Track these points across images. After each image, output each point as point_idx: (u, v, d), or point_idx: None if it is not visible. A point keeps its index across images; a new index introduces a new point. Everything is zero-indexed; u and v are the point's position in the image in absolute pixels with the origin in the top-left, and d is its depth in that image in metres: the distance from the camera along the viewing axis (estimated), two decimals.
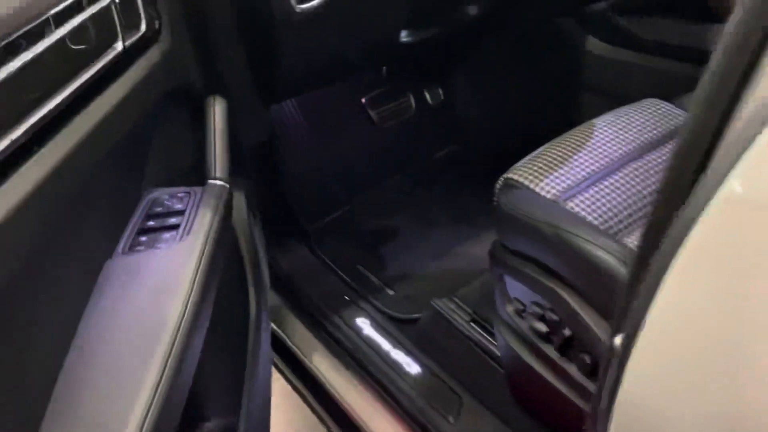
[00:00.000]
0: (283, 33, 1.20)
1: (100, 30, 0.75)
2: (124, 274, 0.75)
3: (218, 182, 0.96)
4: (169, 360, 0.66)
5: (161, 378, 0.65)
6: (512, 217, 0.98)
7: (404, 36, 1.46)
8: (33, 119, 0.63)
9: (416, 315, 1.46)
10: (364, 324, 1.48)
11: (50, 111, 0.65)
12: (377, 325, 1.47)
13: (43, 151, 0.64)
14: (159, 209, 0.90)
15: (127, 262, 0.77)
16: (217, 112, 1.02)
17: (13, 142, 0.59)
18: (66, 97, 0.68)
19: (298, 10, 1.15)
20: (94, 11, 0.73)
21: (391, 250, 1.69)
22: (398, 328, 1.46)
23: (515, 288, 1.05)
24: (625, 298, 0.58)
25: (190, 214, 0.88)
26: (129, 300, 0.73)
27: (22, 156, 0.62)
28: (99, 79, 0.75)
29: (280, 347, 1.51)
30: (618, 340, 0.56)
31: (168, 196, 0.93)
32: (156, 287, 0.74)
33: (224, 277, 0.88)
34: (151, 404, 0.62)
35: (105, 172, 0.80)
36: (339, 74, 1.52)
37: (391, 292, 1.56)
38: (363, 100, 1.80)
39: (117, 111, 0.78)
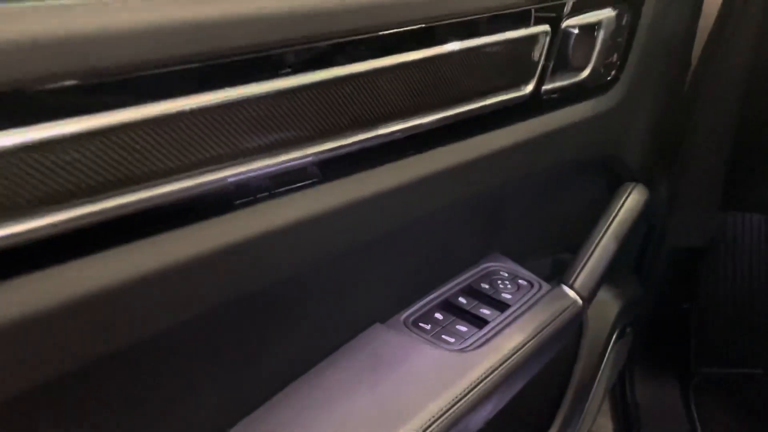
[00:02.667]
0: None
1: (512, 61, 0.56)
2: (383, 353, 0.58)
3: (571, 294, 0.70)
4: None
5: None
6: None
7: None
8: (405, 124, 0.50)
9: None
10: None
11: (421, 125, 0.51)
12: None
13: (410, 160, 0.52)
14: (484, 286, 0.70)
15: (398, 341, 0.60)
16: (629, 207, 0.74)
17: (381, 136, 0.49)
18: (440, 119, 0.52)
19: None
20: (511, 37, 0.54)
21: None
22: None
23: None
24: None
25: (509, 318, 0.66)
26: (366, 387, 0.56)
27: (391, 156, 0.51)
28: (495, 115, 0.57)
29: None
30: None
31: (507, 275, 0.73)
32: (398, 401, 0.55)
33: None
34: None
35: (455, 213, 0.64)
36: None
37: None
38: None
39: (496, 157, 0.59)
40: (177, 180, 0.37)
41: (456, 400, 0.55)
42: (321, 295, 0.55)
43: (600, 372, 0.95)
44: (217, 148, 0.38)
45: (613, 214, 0.74)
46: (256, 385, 0.51)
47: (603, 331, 0.91)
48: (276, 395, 0.51)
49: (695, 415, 1.21)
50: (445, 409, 0.54)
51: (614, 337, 0.95)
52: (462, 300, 0.68)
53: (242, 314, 0.47)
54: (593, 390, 0.94)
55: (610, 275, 0.95)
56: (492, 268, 0.74)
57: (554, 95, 0.62)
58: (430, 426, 0.52)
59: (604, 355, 0.94)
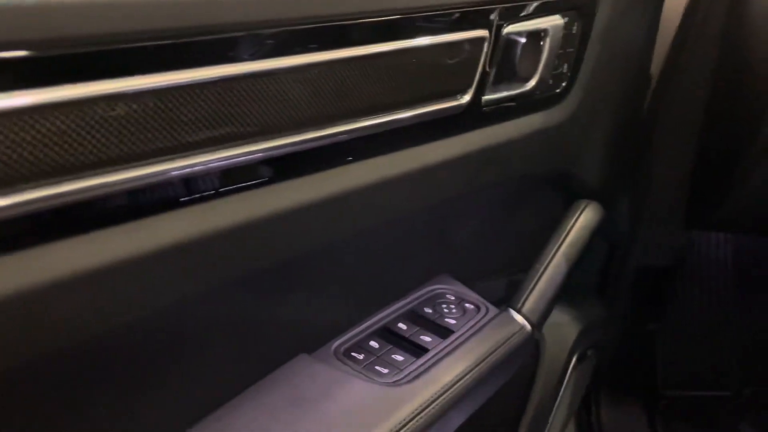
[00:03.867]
0: (765, 156, 0.81)
1: (447, 67, 0.52)
2: (306, 387, 0.53)
3: (519, 318, 0.66)
4: None
5: None
6: None
7: None
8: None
9: None
10: None
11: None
12: None
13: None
14: (427, 311, 0.66)
15: (324, 374, 0.54)
16: (582, 226, 0.70)
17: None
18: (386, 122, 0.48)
19: None
20: (445, 40, 0.50)
21: None
22: None
23: None
24: None
25: (450, 345, 0.61)
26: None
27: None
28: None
29: None
30: None
31: (453, 298, 0.68)
32: None
33: None
34: None
35: (395, 231, 0.59)
36: None
37: None
38: None
39: (434, 171, 0.55)
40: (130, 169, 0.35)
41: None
42: (237, 321, 0.50)
43: (559, 397, 0.91)
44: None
45: (564, 234, 0.70)
46: (160, 424, 0.46)
47: (561, 355, 0.87)
48: None
49: None
50: None
51: (574, 360, 0.90)
52: (402, 326, 0.63)
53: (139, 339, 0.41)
54: (552, 415, 0.90)
55: (569, 297, 0.91)
56: (438, 291, 0.69)
57: (497, 106, 0.58)
58: None
59: (563, 380, 0.89)
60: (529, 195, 0.75)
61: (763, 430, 1.29)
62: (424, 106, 0.50)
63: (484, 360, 0.60)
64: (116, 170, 0.35)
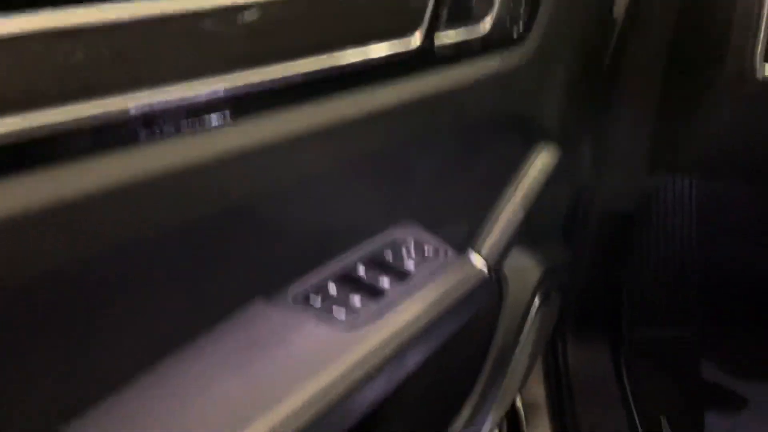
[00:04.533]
0: (728, 98, 0.81)
1: (394, 6, 0.51)
2: (260, 332, 0.54)
3: (477, 261, 0.66)
4: None
5: None
6: None
7: None
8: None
9: None
10: None
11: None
12: None
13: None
14: (386, 256, 0.66)
15: (280, 319, 0.55)
16: (538, 169, 0.71)
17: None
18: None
19: (760, 79, 0.75)
20: None
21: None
22: None
23: None
24: None
25: (408, 288, 0.62)
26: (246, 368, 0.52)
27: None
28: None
29: None
30: None
31: (413, 243, 0.69)
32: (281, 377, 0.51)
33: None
34: None
35: (350, 176, 0.59)
36: None
37: None
38: None
39: (387, 115, 0.54)
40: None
41: (338, 377, 0.51)
42: (191, 266, 0.50)
43: (523, 337, 0.93)
44: None
45: (521, 177, 0.71)
46: (106, 371, 0.46)
47: (524, 296, 0.88)
48: (129, 382, 0.46)
49: (626, 379, 1.21)
50: (325, 387, 0.50)
51: (537, 301, 0.92)
52: (360, 271, 0.64)
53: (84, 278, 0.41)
54: (514, 356, 0.92)
55: (533, 240, 0.92)
56: (398, 236, 0.70)
57: (451, 49, 0.57)
58: (306, 406, 0.48)
59: (526, 320, 0.91)
60: (488, 139, 0.75)
61: (723, 368, 1.34)
62: (371, 46, 0.49)
63: (441, 301, 0.61)
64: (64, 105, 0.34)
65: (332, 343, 0.54)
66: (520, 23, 0.65)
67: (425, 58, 0.55)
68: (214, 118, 0.43)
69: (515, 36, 0.65)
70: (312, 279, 0.61)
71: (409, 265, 0.66)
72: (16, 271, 0.35)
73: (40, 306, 0.39)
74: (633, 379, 1.21)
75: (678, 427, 1.15)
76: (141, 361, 0.47)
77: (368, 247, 0.67)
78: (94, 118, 0.36)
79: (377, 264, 0.65)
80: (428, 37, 0.54)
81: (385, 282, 0.63)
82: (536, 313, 0.94)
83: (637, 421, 1.12)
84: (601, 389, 1.19)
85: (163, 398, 0.46)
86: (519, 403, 1.18)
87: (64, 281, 0.39)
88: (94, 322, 0.43)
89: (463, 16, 0.57)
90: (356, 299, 0.60)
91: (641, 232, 1.19)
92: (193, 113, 0.41)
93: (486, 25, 0.59)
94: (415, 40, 0.53)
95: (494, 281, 0.69)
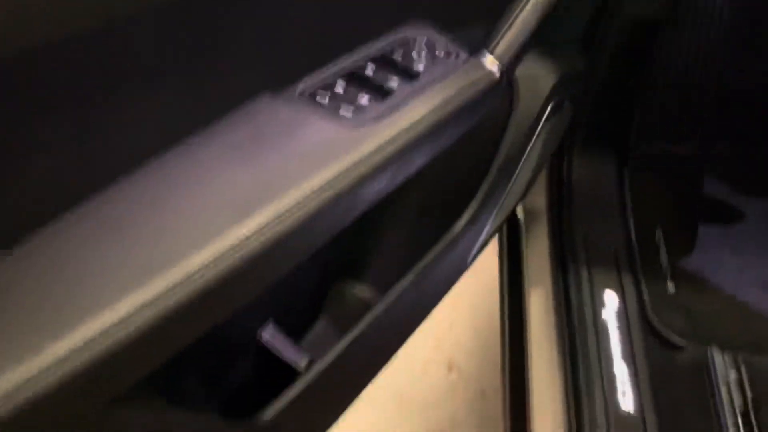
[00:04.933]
0: None
1: None
2: (267, 126, 0.54)
3: (488, 60, 0.64)
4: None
5: None
6: None
7: None
8: None
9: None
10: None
11: None
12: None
13: None
14: (395, 55, 0.64)
15: (287, 114, 0.55)
16: None
17: None
18: None
19: None
20: None
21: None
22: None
23: None
24: None
25: (417, 89, 0.61)
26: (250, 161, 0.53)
27: None
28: None
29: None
30: None
31: (426, 41, 0.66)
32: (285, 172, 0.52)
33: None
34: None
35: None
36: None
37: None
38: None
39: None
40: None
41: (343, 171, 0.53)
42: (197, 54, 0.49)
43: (531, 144, 0.93)
44: None
45: None
46: (109, 157, 0.47)
47: (536, 103, 0.87)
48: (137, 170, 0.48)
49: (627, 191, 1.23)
50: (330, 180, 0.52)
51: (549, 109, 0.91)
52: (368, 70, 0.62)
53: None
54: (522, 161, 0.93)
55: (550, 49, 0.89)
56: (409, 36, 0.67)
57: None
58: (311, 197, 0.50)
59: (537, 127, 0.91)
60: None
61: (728, 184, 1.36)
62: None
63: (449, 102, 0.61)
64: None
65: (338, 139, 0.55)
66: None
67: None
68: None
69: None
70: (320, 76, 0.60)
71: (419, 65, 0.64)
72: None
73: (41, 83, 0.39)
74: (634, 192, 1.23)
75: (671, 237, 1.19)
76: (147, 149, 0.48)
77: (378, 46, 0.65)
78: None
79: (386, 63, 0.64)
80: None
81: (393, 81, 0.62)
82: (546, 120, 0.93)
83: (633, 231, 1.15)
84: (601, 199, 1.21)
85: (169, 186, 0.48)
86: (520, 212, 1.23)
87: (63, 58, 0.39)
88: (100, 105, 0.43)
89: None
90: (364, 97, 0.60)
91: (665, 40, 1.13)
92: None
93: None
94: None
95: (505, 85, 0.68)
